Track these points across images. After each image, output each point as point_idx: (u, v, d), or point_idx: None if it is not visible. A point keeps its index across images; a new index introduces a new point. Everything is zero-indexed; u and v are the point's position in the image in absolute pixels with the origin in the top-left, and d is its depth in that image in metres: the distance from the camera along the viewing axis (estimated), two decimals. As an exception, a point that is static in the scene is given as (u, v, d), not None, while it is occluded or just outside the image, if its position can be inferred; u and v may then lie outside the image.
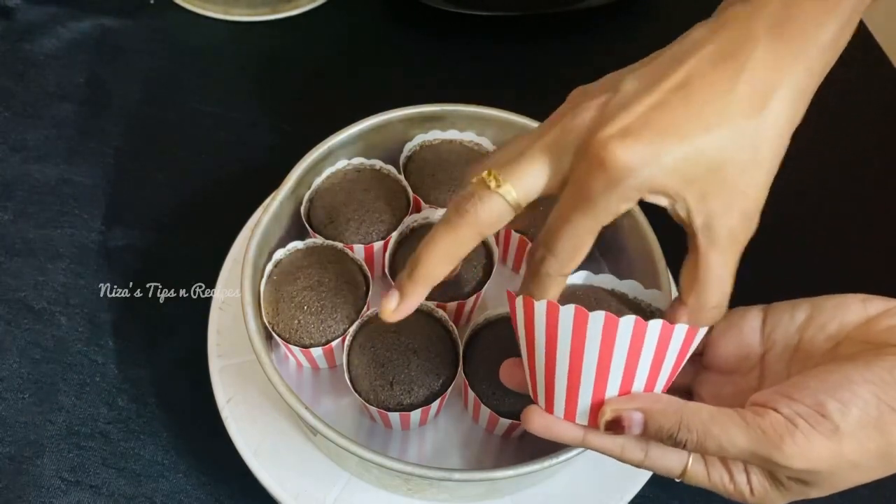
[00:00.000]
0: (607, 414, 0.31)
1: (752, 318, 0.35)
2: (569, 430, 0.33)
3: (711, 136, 0.29)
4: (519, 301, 0.33)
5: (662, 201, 0.31)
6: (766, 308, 0.35)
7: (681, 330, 0.31)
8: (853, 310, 0.32)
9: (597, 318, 0.30)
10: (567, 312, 0.31)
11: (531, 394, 0.35)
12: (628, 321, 0.30)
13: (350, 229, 0.51)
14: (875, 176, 0.67)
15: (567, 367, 0.32)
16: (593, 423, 0.33)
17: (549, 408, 0.33)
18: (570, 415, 0.33)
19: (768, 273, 0.58)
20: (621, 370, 0.31)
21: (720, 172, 0.30)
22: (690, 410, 0.30)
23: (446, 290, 0.49)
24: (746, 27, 0.30)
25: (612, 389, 0.32)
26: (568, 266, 0.33)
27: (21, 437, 0.50)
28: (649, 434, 0.31)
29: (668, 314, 0.34)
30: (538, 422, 0.34)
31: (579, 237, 0.32)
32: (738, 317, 0.35)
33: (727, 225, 0.31)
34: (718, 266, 0.32)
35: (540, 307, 0.32)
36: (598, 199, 0.30)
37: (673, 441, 0.30)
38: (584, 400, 0.32)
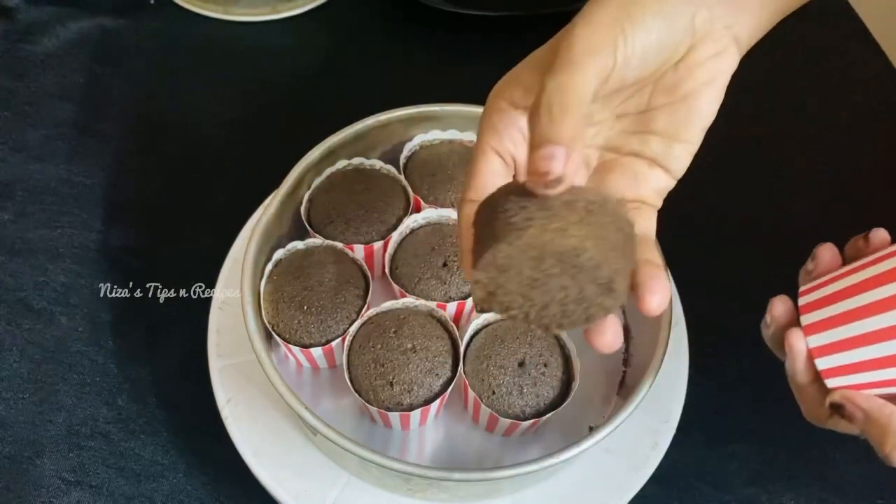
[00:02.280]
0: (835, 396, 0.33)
1: None
2: None
3: None
4: None
5: None
6: None
7: None
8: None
9: None
10: None
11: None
12: None
13: (350, 229, 0.51)
14: (875, 175, 0.67)
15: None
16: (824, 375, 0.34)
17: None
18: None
19: (767, 274, 0.58)
20: None
21: None
22: None
23: (446, 290, 0.50)
24: None
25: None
26: None
27: (21, 437, 0.50)
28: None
29: None
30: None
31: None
32: None
33: None
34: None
35: None
36: None
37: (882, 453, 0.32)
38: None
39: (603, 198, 0.28)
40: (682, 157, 0.34)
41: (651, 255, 0.31)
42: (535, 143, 0.28)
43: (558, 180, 0.27)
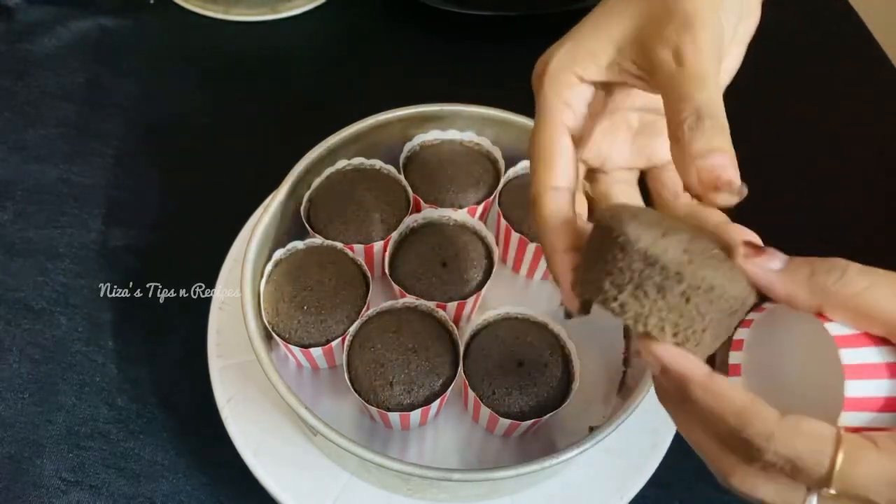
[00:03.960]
0: None
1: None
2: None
3: None
4: None
5: None
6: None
7: None
8: None
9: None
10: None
11: None
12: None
13: (350, 229, 0.51)
14: (876, 176, 0.67)
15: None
16: None
17: None
18: None
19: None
20: None
21: None
22: None
23: (446, 290, 0.49)
24: None
25: None
26: None
27: (21, 437, 0.50)
28: None
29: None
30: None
31: None
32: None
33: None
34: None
35: None
36: None
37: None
38: None
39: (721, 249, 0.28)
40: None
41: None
42: (699, 153, 0.27)
43: (740, 191, 0.27)
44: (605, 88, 0.33)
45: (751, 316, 0.29)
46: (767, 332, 0.30)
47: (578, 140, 0.32)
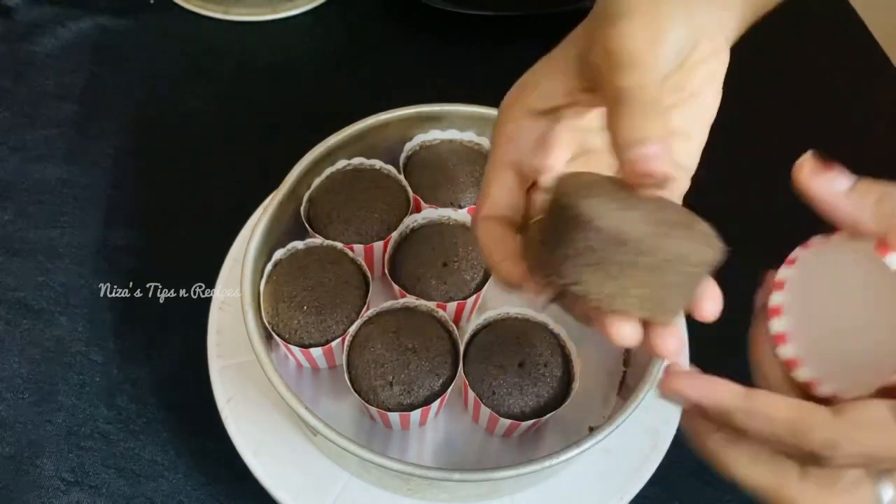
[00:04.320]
0: None
1: None
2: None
3: None
4: None
5: None
6: None
7: None
8: None
9: None
10: None
11: None
12: None
13: (350, 229, 0.51)
14: (877, 176, 0.67)
15: None
16: None
17: None
18: None
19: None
20: None
21: None
22: None
23: (446, 290, 0.49)
24: None
25: None
26: None
27: (21, 437, 0.50)
28: None
29: None
30: None
31: None
32: None
33: None
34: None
35: None
36: None
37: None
38: None
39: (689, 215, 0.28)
40: (693, 153, 0.34)
41: None
42: (626, 143, 0.27)
43: (667, 178, 0.26)
44: (555, 114, 0.33)
45: (794, 254, 0.28)
46: (814, 270, 0.28)
47: (530, 169, 0.33)
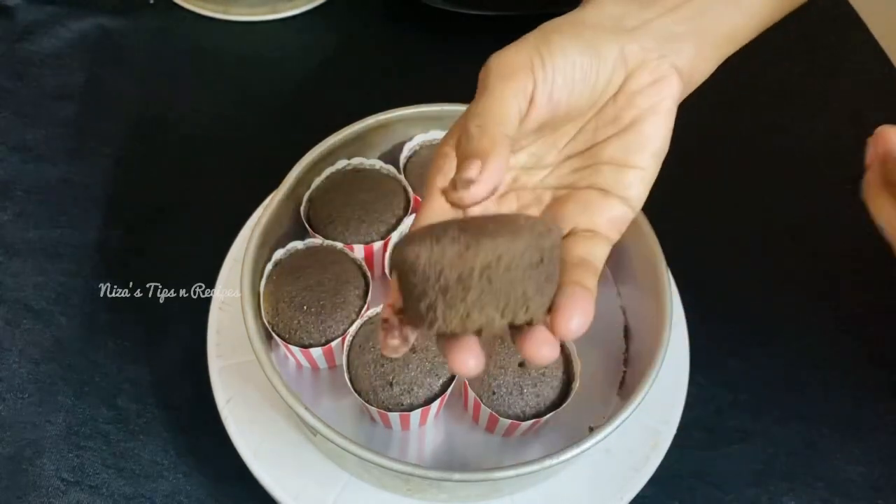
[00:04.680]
0: None
1: None
2: None
3: None
4: None
5: None
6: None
7: None
8: None
9: None
10: None
11: None
12: None
13: (350, 229, 0.51)
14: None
15: None
16: None
17: None
18: None
19: (769, 275, 0.58)
20: None
21: None
22: None
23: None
24: None
25: None
26: None
27: (21, 437, 0.50)
28: None
29: None
30: None
31: None
32: None
33: None
34: None
35: None
36: None
37: None
38: None
39: (530, 221, 0.28)
40: (635, 184, 0.34)
41: (581, 278, 0.30)
42: (458, 164, 0.28)
43: (468, 185, 0.28)
44: None
45: None
46: None
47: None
